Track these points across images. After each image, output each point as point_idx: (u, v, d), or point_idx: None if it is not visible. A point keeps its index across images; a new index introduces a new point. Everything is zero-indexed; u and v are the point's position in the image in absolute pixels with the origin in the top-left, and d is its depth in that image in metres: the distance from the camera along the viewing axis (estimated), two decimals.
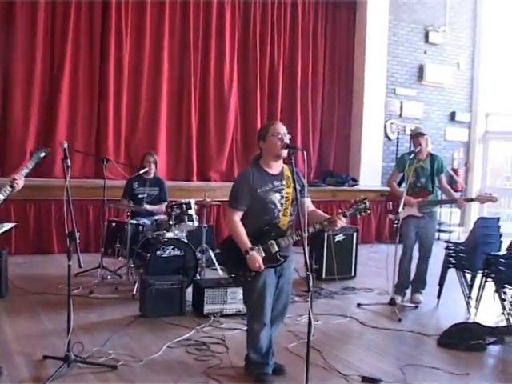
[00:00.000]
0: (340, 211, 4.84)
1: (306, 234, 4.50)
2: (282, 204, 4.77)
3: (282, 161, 4.88)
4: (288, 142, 4.76)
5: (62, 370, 4.80)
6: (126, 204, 8.05)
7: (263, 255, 4.69)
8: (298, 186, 4.63)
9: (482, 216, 11.67)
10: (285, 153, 4.74)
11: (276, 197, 4.76)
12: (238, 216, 4.77)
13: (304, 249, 4.26)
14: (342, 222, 4.72)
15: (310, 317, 4.16)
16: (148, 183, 8.43)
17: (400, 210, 7.16)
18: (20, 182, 4.75)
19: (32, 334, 5.82)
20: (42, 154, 5.01)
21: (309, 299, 4.18)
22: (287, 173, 4.84)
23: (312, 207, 5.04)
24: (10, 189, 4.70)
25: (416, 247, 7.78)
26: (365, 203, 4.81)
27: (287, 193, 4.79)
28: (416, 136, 7.72)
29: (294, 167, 4.59)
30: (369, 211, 4.87)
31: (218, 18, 12.37)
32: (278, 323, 5.15)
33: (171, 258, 7.34)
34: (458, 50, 15.26)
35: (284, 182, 4.82)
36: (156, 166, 8.56)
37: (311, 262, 4.35)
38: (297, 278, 5.11)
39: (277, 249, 4.71)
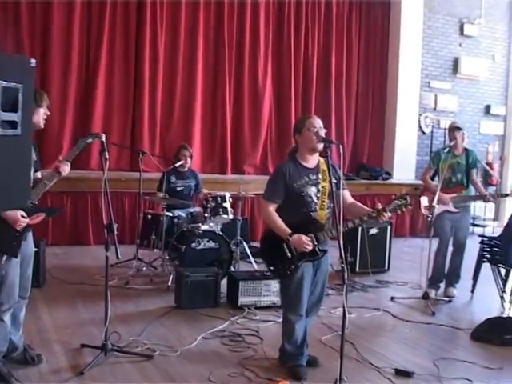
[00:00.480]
0: (380, 206, 4.81)
1: (346, 229, 4.54)
2: (318, 197, 4.81)
3: (317, 154, 4.91)
4: (324, 135, 4.78)
5: (100, 359, 4.90)
6: (162, 197, 8.13)
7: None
8: (334, 180, 4.65)
9: None
10: (320, 146, 4.77)
11: (312, 190, 4.80)
12: (273, 207, 4.83)
13: (339, 241, 4.27)
14: (384, 218, 4.74)
15: (344, 309, 4.19)
16: (185, 176, 8.56)
17: (434, 204, 7.14)
18: (66, 167, 4.74)
19: (69, 324, 5.93)
20: (89, 140, 5.03)
21: (343, 292, 4.21)
22: (323, 166, 4.87)
23: (351, 199, 5.06)
24: (57, 174, 4.72)
25: (450, 241, 7.76)
26: (405, 199, 4.77)
27: (323, 186, 4.82)
28: (452, 130, 7.69)
29: (329, 160, 4.60)
30: (410, 207, 4.82)
31: (252, 15, 12.38)
32: (313, 315, 5.19)
33: (206, 250, 7.42)
34: (494, 43, 15.05)
35: (320, 176, 4.86)
36: (191, 159, 8.66)
37: (346, 254, 4.34)
38: (330, 271, 5.10)
39: (315, 242, 4.75)
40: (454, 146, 7.56)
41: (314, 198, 4.80)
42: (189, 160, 8.55)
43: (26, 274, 4.68)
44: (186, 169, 8.58)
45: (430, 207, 7.33)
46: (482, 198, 7.79)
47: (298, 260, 4.77)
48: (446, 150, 7.52)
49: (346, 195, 4.98)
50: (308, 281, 4.88)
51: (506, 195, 8.32)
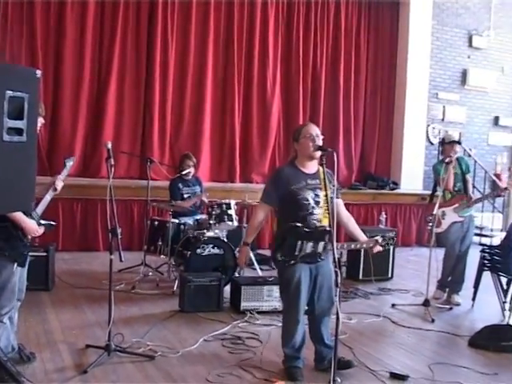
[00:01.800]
0: (376, 241, 5.17)
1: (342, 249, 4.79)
2: (317, 202, 4.92)
3: (316, 162, 5.04)
4: (320, 143, 4.93)
5: (103, 358, 5.06)
6: (170, 203, 8.32)
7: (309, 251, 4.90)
8: (331, 186, 4.82)
9: None
10: (318, 154, 4.90)
11: (309, 194, 4.92)
12: (263, 209, 5.10)
13: (333, 245, 4.43)
14: (376, 250, 5.20)
15: (337, 312, 4.29)
16: (191, 183, 8.73)
17: (435, 212, 7.27)
18: (60, 183, 5.02)
19: (75, 325, 6.10)
20: (71, 163, 5.26)
21: (337, 295, 4.35)
22: (322, 175, 4.94)
23: (345, 212, 5.29)
24: (53, 192, 4.97)
25: None
26: (392, 238, 5.26)
27: (325, 195, 4.92)
28: (451, 143, 7.79)
29: (324, 168, 4.76)
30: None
31: (261, 19, 12.53)
32: (325, 320, 5.21)
33: (211, 256, 7.56)
34: (503, 55, 15.11)
35: (319, 182, 4.97)
36: (195, 168, 8.86)
37: (339, 258, 4.50)
38: None
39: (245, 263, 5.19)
40: (449, 161, 7.64)
41: (312, 202, 4.91)
42: (192, 169, 8.72)
43: (22, 278, 4.86)
44: (190, 176, 8.74)
45: (438, 223, 7.62)
46: (482, 198, 8.06)
47: (299, 258, 4.91)
48: (443, 164, 7.65)
49: (340, 206, 5.16)
50: (305, 287, 4.97)
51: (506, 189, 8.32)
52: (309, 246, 4.87)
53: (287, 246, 4.86)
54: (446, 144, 7.88)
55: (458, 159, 7.88)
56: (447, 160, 7.59)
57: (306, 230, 4.86)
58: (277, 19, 12.69)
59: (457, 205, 7.73)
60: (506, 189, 7.74)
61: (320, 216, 4.94)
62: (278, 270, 5.19)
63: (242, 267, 4.83)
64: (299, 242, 4.85)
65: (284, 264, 4.91)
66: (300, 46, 12.91)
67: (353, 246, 5.24)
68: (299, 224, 4.86)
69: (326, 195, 4.85)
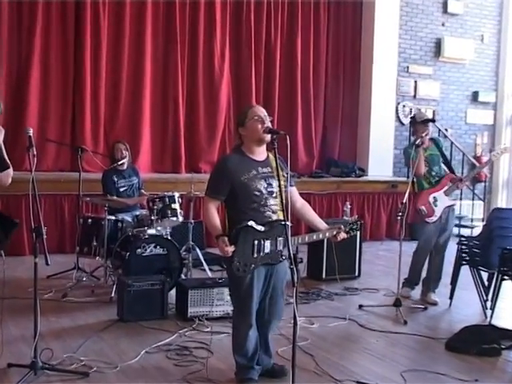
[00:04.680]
0: (339, 228, 5.25)
1: (304, 242, 4.82)
2: (270, 192, 4.95)
3: (265, 147, 5.07)
4: (269, 125, 4.95)
5: (28, 378, 5.00)
6: (107, 198, 8.27)
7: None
8: (285, 174, 4.87)
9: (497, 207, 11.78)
10: (268, 137, 4.90)
11: (262, 184, 4.93)
12: (213, 204, 5.02)
13: (287, 240, 4.46)
14: (339, 238, 5.26)
15: (295, 315, 4.32)
16: (126, 174, 8.71)
17: (405, 201, 7.32)
18: None
19: None
20: None
21: (293, 295, 4.36)
22: (273, 163, 4.94)
23: (300, 200, 5.33)
24: None
25: None
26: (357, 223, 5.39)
27: (278, 185, 4.87)
28: (423, 122, 7.88)
29: (276, 153, 4.74)
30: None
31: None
32: (273, 325, 5.33)
33: (153, 256, 7.54)
34: (482, 21, 15.27)
35: (271, 169, 5.00)
36: (128, 152, 8.81)
37: (295, 254, 4.52)
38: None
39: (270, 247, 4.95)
40: (422, 142, 7.74)
41: (265, 193, 4.93)
42: (125, 153, 8.69)
43: None
44: (125, 167, 8.72)
45: (431, 212, 7.74)
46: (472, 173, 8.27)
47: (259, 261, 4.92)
48: (414, 145, 7.74)
49: (294, 193, 5.20)
50: (258, 288, 5.01)
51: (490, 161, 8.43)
52: (267, 245, 4.90)
53: (241, 249, 4.84)
54: (418, 123, 7.94)
55: (433, 140, 8.00)
56: (418, 142, 7.66)
57: (261, 225, 4.88)
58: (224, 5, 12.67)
59: (446, 187, 7.84)
60: (486, 176, 7.90)
61: (275, 207, 4.97)
62: (227, 270, 5.20)
63: (229, 253, 4.76)
64: (256, 242, 4.87)
65: (244, 271, 4.90)
66: (251, 20, 12.90)
67: (315, 237, 5.27)
68: (252, 221, 4.87)
69: (280, 185, 4.83)
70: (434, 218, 7.77)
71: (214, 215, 4.99)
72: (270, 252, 4.92)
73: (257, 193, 4.93)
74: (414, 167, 7.59)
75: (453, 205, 7.95)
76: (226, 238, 4.80)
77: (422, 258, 8.02)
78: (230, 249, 4.75)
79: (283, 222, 4.67)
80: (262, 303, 5.13)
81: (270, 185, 4.97)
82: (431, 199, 7.76)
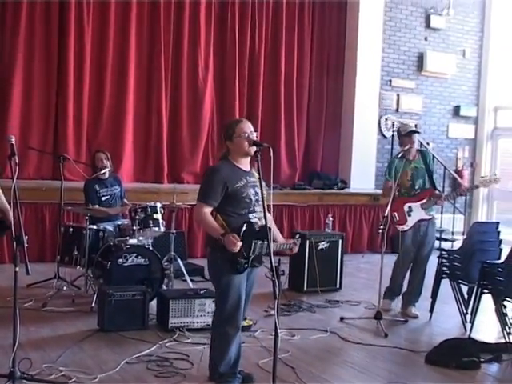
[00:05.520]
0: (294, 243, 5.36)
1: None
2: (257, 200, 5.13)
3: (249, 159, 5.27)
4: (255, 138, 5.11)
5: None
6: (89, 207, 8.25)
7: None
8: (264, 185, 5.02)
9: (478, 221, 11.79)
10: (253, 150, 5.07)
11: (251, 192, 5.13)
12: (208, 209, 5.09)
13: (269, 252, 4.51)
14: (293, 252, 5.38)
15: (276, 327, 4.35)
16: (108, 183, 8.68)
17: (386, 214, 7.31)
18: None
19: None
20: None
21: (275, 307, 4.38)
22: (256, 173, 5.22)
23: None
24: None
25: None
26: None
27: (261, 193, 5.07)
28: (409, 134, 7.89)
29: (259, 165, 4.89)
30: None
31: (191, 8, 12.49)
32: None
33: (134, 266, 7.53)
34: (464, 36, 15.30)
35: (255, 179, 5.19)
36: (109, 162, 8.77)
37: (277, 266, 4.53)
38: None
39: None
40: (407, 152, 7.80)
41: (253, 199, 5.12)
42: (106, 162, 8.66)
43: None
44: (107, 176, 8.70)
45: (405, 221, 7.71)
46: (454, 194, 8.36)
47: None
48: (399, 156, 7.77)
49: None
50: (244, 290, 5.15)
51: (477, 187, 8.52)
52: (258, 246, 4.99)
53: (246, 246, 4.93)
54: (403, 136, 7.97)
55: (421, 152, 8.03)
56: (401, 154, 7.74)
57: (257, 227, 5.03)
58: (209, 5, 12.65)
59: (425, 200, 7.83)
60: (468, 189, 7.93)
61: (260, 214, 5.12)
62: (214, 271, 5.24)
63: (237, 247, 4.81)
64: (253, 242, 4.98)
65: (243, 268, 4.98)
66: (236, 29, 12.88)
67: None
68: (245, 224, 5.00)
69: (262, 193, 5.02)
70: (405, 228, 7.79)
71: (212, 218, 5.08)
72: (259, 254, 5.04)
73: (247, 200, 5.12)
74: (396, 179, 7.60)
75: (430, 218, 7.93)
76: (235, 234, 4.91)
77: (402, 270, 8.03)
78: (240, 243, 4.85)
79: (268, 228, 4.75)
80: None
81: (256, 193, 5.14)
82: (406, 208, 7.79)
